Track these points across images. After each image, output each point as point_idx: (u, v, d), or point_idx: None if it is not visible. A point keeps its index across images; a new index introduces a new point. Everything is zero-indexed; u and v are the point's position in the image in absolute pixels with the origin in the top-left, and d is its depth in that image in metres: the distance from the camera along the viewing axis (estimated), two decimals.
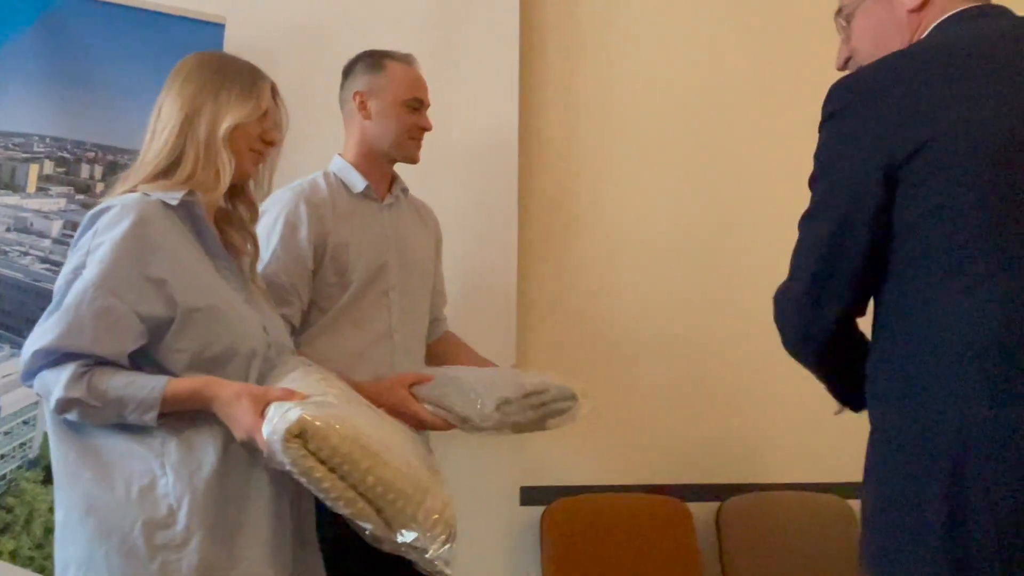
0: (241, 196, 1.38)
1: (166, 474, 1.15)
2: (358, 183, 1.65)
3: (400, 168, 1.74)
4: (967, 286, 0.99)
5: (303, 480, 1.12)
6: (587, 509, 2.19)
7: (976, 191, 1.00)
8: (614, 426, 2.30)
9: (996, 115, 1.01)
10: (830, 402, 2.37)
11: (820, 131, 1.14)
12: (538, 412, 1.47)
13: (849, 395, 1.22)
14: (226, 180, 1.27)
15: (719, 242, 2.42)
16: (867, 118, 1.07)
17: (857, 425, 2.35)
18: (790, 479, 2.34)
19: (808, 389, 2.48)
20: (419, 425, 1.47)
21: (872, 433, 1.11)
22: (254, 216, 1.41)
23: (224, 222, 1.36)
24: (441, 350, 1.79)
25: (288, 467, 1.11)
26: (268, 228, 1.54)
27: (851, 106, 1.09)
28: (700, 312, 2.38)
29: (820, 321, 1.13)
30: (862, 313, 1.13)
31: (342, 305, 1.57)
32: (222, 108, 1.27)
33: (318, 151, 1.73)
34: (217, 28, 1.99)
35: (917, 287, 1.04)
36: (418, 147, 1.68)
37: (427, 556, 1.13)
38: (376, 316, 1.60)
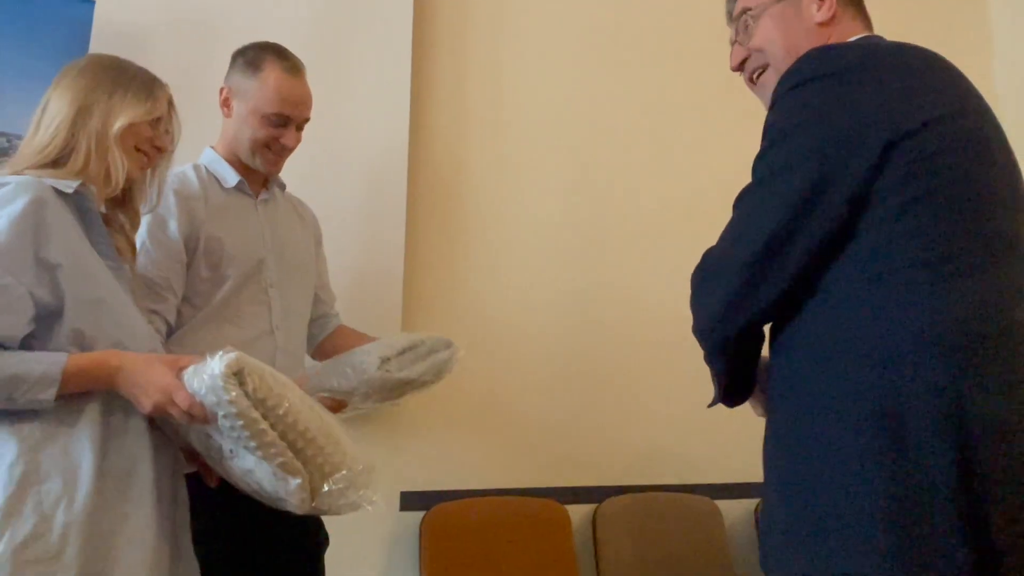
0: (124, 204, 1.33)
1: (38, 480, 1.06)
2: (230, 178, 1.59)
3: (288, 168, 1.68)
4: (953, 274, 0.95)
5: (237, 425, 1.07)
6: (466, 513, 2.19)
7: (971, 180, 0.98)
8: (494, 430, 2.31)
9: (977, 113, 1.03)
10: (701, 408, 2.45)
11: (793, 93, 1.06)
12: (423, 364, 1.46)
13: (734, 389, 1.20)
14: (119, 180, 1.23)
15: (605, 248, 2.49)
16: (871, 83, 1.01)
17: (724, 431, 2.47)
18: (662, 481, 2.43)
19: (682, 395, 2.59)
20: None
21: (786, 421, 1.05)
22: (135, 224, 1.37)
23: (105, 225, 1.29)
24: (336, 343, 1.75)
25: (223, 412, 1.07)
26: None
27: (848, 70, 1.02)
28: (581, 318, 2.44)
29: (758, 299, 1.03)
30: (783, 300, 1.04)
31: (217, 302, 1.50)
32: (116, 105, 1.24)
33: (188, 144, 1.65)
34: (86, 6, 1.87)
35: (893, 269, 0.97)
36: (274, 161, 1.60)
37: (361, 498, 1.15)
38: (255, 313, 1.54)
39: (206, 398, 1.08)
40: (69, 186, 1.17)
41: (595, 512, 2.31)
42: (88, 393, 1.12)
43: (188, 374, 1.10)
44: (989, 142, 1.04)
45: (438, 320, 2.28)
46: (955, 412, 0.92)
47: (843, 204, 0.98)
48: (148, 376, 1.11)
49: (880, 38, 1.16)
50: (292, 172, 1.71)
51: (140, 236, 1.45)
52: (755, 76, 1.24)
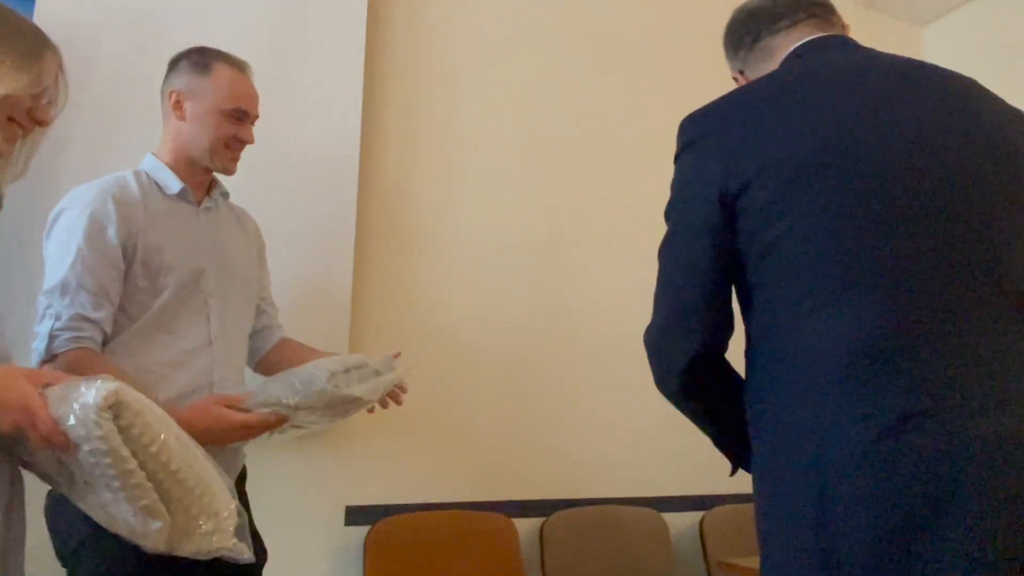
0: None
1: None
2: (172, 185, 1.55)
3: (237, 176, 1.64)
4: (816, 307, 0.98)
5: (104, 463, 0.97)
6: (412, 527, 2.16)
7: (817, 214, 1.00)
8: (440, 444, 2.30)
9: (830, 139, 1.02)
10: (647, 422, 2.48)
11: (675, 163, 1.17)
12: (369, 383, 1.45)
13: (736, 448, 1.20)
14: None
15: (552, 264, 2.50)
16: (710, 149, 1.09)
17: (670, 444, 2.48)
18: (610, 494, 2.44)
19: (629, 410, 2.61)
20: (245, 433, 1.40)
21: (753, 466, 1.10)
22: None
23: None
24: (281, 355, 1.72)
25: (90, 447, 0.96)
26: (70, 226, 1.41)
27: (697, 138, 1.12)
28: (528, 333, 2.44)
29: (679, 356, 1.10)
30: (723, 349, 1.12)
31: (154, 312, 1.45)
32: None
33: (130, 146, 1.61)
34: (26, 5, 1.82)
35: (774, 315, 1.04)
36: (234, 158, 1.60)
37: (229, 545, 1.09)
38: (194, 324, 1.50)
39: (73, 429, 0.95)
40: None
41: (542, 526, 2.31)
42: None
43: (55, 396, 0.96)
44: (887, 158, 1.01)
45: (385, 333, 2.26)
46: (816, 451, 0.95)
47: (714, 269, 1.08)
48: (6, 390, 0.94)
49: (817, 40, 1.20)
50: (241, 181, 1.68)
51: (75, 241, 1.40)
52: None
